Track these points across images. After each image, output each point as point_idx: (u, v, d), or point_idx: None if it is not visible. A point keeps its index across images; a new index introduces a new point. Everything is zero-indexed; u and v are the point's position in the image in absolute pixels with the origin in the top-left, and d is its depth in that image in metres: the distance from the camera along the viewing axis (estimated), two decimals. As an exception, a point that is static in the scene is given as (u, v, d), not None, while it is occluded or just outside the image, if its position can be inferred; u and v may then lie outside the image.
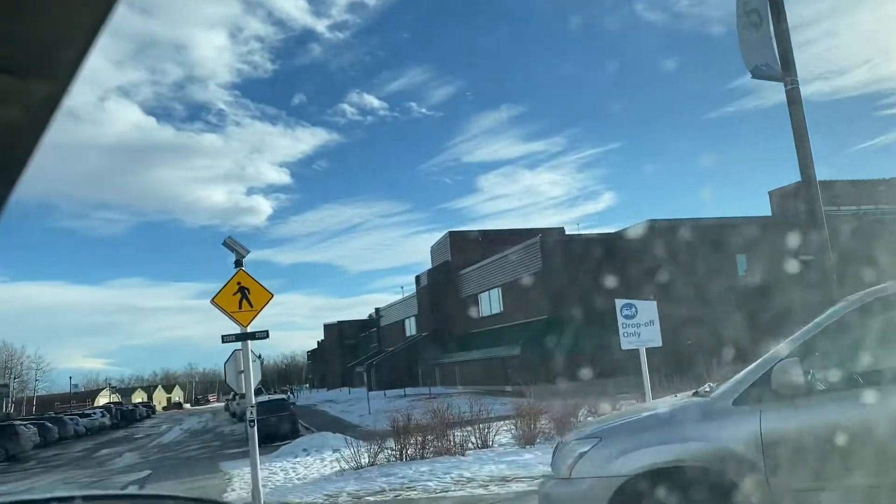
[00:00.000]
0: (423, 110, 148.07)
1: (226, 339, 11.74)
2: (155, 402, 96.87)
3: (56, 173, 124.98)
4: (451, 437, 14.01)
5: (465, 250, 47.34)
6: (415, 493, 10.64)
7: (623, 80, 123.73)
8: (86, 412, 53.66)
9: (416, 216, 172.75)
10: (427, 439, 13.61)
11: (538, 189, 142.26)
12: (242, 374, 11.41)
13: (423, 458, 13.56)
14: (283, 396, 31.39)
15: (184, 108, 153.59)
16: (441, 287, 48.13)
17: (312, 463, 17.32)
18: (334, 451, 19.33)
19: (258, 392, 45.00)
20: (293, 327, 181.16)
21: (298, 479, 14.60)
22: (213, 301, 11.38)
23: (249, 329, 11.59)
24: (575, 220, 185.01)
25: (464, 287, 46.21)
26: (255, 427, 11.38)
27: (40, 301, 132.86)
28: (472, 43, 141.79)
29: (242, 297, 11.38)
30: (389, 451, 14.23)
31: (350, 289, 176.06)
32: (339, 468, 14.59)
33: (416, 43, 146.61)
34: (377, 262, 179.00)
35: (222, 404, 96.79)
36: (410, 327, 55.44)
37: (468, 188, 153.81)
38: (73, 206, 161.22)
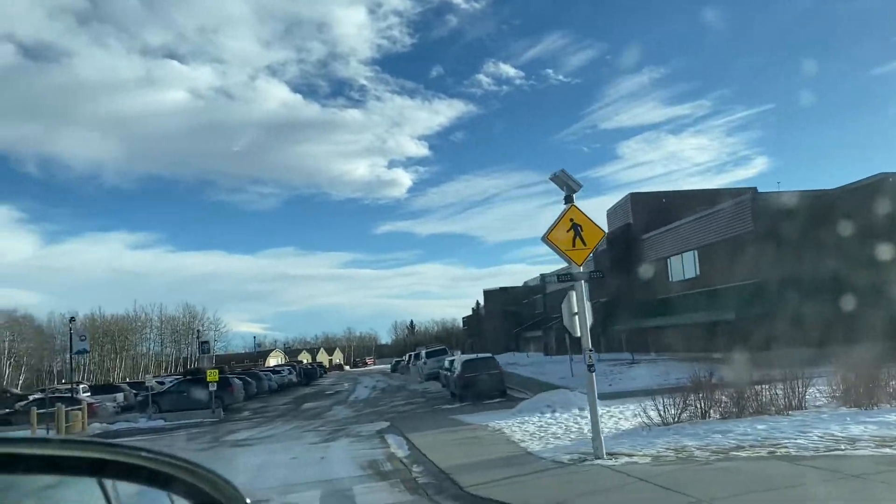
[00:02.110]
0: (560, 77, 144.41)
1: (561, 278, 11.10)
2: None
3: (214, 151, 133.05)
4: (764, 395, 12.78)
5: (647, 213, 45.21)
6: (784, 449, 9.55)
7: (776, 36, 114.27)
8: (276, 369, 56.71)
9: (553, 186, 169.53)
10: (743, 396, 12.46)
11: (683, 155, 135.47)
12: (576, 316, 10.72)
13: (739, 416, 12.45)
14: (491, 355, 31.15)
15: (327, 85, 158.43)
16: (621, 251, 46.32)
17: (570, 419, 16.70)
18: (580, 409, 18.67)
19: (436, 353, 45.53)
20: (431, 296, 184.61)
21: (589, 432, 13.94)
22: (545, 238, 10.74)
23: (581, 269, 10.87)
24: (725, 186, 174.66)
25: (649, 250, 44.20)
26: (594, 372, 10.67)
27: (202, 270, 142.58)
28: (611, 4, 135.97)
29: (575, 234, 10.64)
30: (691, 410, 13.21)
31: (487, 259, 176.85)
32: (633, 424, 13.78)
33: (553, 7, 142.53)
34: (514, 233, 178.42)
35: (380, 366, 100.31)
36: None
37: (607, 156, 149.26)
38: (229, 182, 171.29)
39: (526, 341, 59.26)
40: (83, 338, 33.45)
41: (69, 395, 32.21)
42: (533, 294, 69.01)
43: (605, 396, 20.87)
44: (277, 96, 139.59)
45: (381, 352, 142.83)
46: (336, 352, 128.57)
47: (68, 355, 74.05)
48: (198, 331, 74.63)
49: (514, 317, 68.60)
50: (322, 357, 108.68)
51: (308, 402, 37.28)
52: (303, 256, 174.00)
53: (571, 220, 10.61)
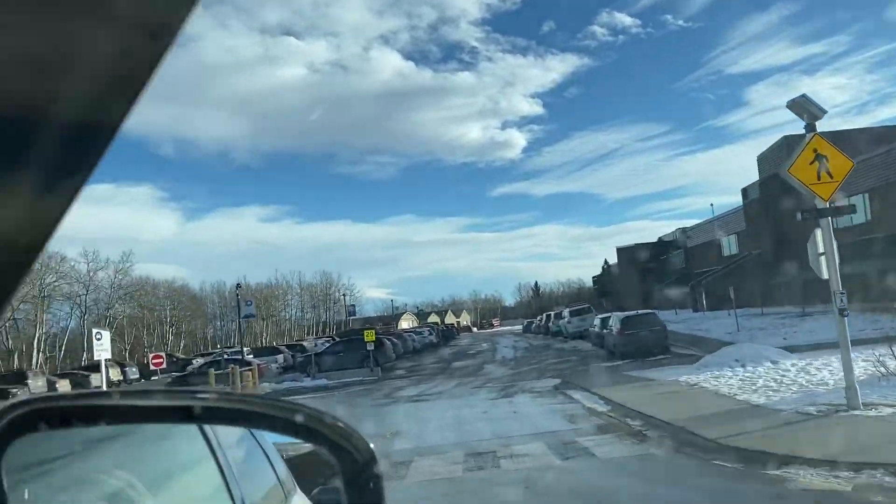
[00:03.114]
0: (680, 22, 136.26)
1: (805, 216, 10.19)
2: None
3: (334, 124, 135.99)
4: None
5: (804, 157, 42.04)
6: None
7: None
8: (417, 330, 57.98)
9: (676, 137, 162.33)
10: None
11: (819, 96, 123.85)
12: (823, 257, 9.78)
13: None
14: (651, 311, 30.17)
15: (438, 50, 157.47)
16: (775, 199, 43.43)
17: (762, 373, 15.69)
18: (773, 362, 17.57)
19: (580, 312, 44.73)
20: (552, 258, 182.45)
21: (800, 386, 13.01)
22: (785, 173, 9.82)
23: (825, 203, 9.89)
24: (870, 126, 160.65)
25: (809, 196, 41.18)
26: (846, 317, 9.75)
27: (329, 239, 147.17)
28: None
29: (820, 166, 9.65)
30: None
31: (608, 217, 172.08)
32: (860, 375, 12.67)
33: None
34: (636, 189, 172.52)
35: (507, 328, 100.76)
36: (730, 246, 51.46)
37: (734, 102, 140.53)
38: (349, 153, 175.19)
39: (666, 298, 57.26)
40: (249, 303, 35.27)
41: (239, 357, 34.10)
42: (670, 249, 66.47)
43: (791, 349, 19.61)
44: (391, 65, 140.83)
45: (505, 314, 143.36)
46: (463, 314, 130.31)
47: (219, 322, 79.11)
48: (343, 295, 77.71)
49: (651, 273, 66.48)
50: (450, 319, 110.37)
51: (457, 361, 37.70)
52: (422, 223, 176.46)
53: (815, 150, 9.63)
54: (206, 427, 1.54)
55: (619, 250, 75.34)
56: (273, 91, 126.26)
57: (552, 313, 54.13)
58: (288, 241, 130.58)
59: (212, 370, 28.76)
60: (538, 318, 64.88)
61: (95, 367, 45.71)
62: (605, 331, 30.40)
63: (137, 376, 48.11)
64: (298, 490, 2.10)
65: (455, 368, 32.85)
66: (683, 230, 61.22)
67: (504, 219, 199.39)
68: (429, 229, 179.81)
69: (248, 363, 32.00)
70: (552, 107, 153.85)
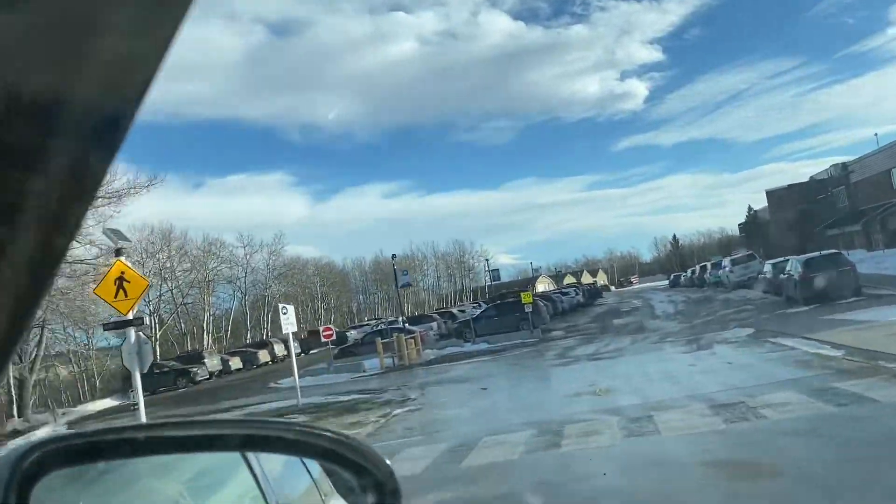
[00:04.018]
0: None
1: None
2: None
3: (448, 93, 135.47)
4: None
5: None
6: None
7: None
8: (564, 291, 57.14)
9: (812, 70, 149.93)
10: None
11: None
12: None
13: None
14: (837, 251, 27.78)
15: (548, 6, 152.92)
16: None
17: None
18: None
19: (743, 260, 42.16)
20: (684, 209, 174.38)
21: None
22: None
23: None
24: None
25: None
26: None
27: (450, 210, 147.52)
28: None
29: None
30: None
31: (741, 162, 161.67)
32: None
33: None
34: (769, 130, 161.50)
35: (647, 284, 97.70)
36: (905, 177, 46.75)
37: (878, 23, 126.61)
38: (466, 121, 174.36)
39: (831, 239, 53.03)
40: (405, 273, 35.70)
41: (398, 326, 34.72)
42: (828, 187, 61.44)
43: None
44: (500, 27, 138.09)
45: (642, 270, 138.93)
46: (599, 273, 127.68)
47: (362, 296, 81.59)
48: (486, 260, 78.15)
49: (809, 215, 61.82)
50: (586, 279, 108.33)
51: (615, 319, 36.56)
52: (545, 184, 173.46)
53: None
54: None
55: (769, 193, 70.47)
56: (387, 68, 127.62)
57: (707, 264, 51.80)
58: (411, 215, 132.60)
59: (378, 339, 29.36)
60: (688, 270, 62.23)
61: (260, 344, 48.49)
62: (781, 276, 28.39)
63: (299, 351, 50.45)
64: (336, 493, 1.98)
65: (618, 326, 31.79)
66: (843, 165, 56.27)
67: (630, 173, 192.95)
68: (552, 191, 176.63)
69: (410, 331, 32.44)
70: (672, 51, 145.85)
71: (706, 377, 12.60)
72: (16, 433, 28.75)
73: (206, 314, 50.58)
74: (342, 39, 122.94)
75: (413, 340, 30.57)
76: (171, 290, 46.37)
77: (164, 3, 0.48)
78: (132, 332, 11.21)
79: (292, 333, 20.46)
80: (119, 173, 31.73)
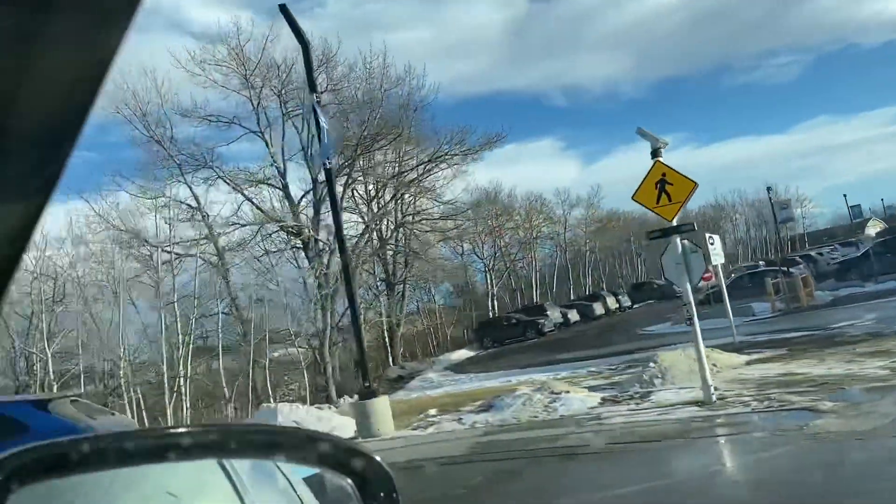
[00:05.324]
0: None
1: None
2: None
3: (718, 36, 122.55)
4: None
5: None
6: None
7: None
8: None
9: None
10: None
11: None
12: None
13: None
14: None
15: None
16: None
17: None
18: None
19: None
20: None
21: None
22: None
23: None
24: None
25: None
26: None
27: (732, 159, 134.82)
28: None
29: None
30: None
31: None
32: None
33: None
34: None
35: None
36: None
37: None
38: (741, 63, 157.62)
39: None
40: (784, 207, 32.29)
41: (781, 269, 31.59)
42: None
43: None
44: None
45: None
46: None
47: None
48: (801, 204, 70.15)
49: None
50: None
51: None
52: (840, 122, 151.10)
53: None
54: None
55: None
56: (646, 19, 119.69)
57: None
58: (688, 168, 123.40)
59: (768, 279, 26.69)
60: None
61: (592, 297, 47.94)
62: None
63: (629, 304, 49.13)
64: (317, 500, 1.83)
65: None
66: None
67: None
68: (849, 129, 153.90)
69: (790, 274, 29.09)
70: None
71: None
72: (399, 378, 31.02)
73: (533, 270, 51.29)
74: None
75: (803, 280, 27.24)
76: (501, 248, 47.49)
77: (105, 20, 0.49)
78: (677, 239, 10.09)
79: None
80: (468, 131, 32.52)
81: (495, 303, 45.93)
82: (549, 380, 14.00)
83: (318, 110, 12.58)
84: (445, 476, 8.40)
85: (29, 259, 22.61)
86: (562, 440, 9.18)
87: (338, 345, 29.81)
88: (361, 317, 16.61)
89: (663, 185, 9.99)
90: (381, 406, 12.83)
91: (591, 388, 13.16)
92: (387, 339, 36.37)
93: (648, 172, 10.15)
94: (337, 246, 16.82)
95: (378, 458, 1.19)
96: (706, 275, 26.98)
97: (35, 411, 8.00)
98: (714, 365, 13.11)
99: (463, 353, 38.54)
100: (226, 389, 23.02)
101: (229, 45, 26.51)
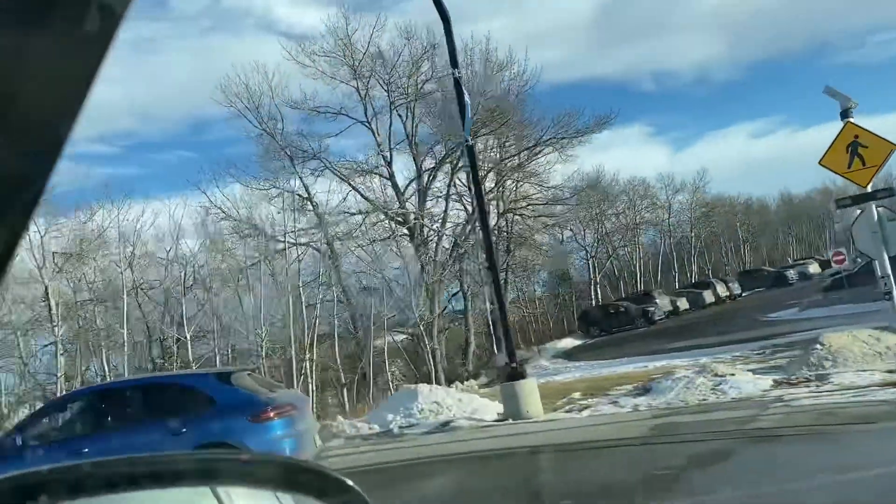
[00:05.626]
0: None
1: None
2: None
3: (817, 13, 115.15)
4: None
5: None
6: None
7: None
8: None
9: None
10: None
11: None
12: None
13: None
14: None
15: None
16: None
17: None
18: None
19: None
20: None
21: None
22: None
23: None
24: None
25: None
26: None
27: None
28: None
29: None
30: None
31: None
32: None
33: None
34: None
35: None
36: None
37: None
38: (844, 39, 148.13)
39: None
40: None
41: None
42: None
43: None
44: None
45: None
46: None
47: (781, 235, 73.80)
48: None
49: None
50: None
51: None
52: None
53: None
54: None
55: None
56: None
57: None
58: (786, 152, 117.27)
59: None
60: None
61: (702, 285, 46.13)
62: None
63: (740, 292, 47.00)
64: None
65: None
66: None
67: None
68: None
69: None
70: None
71: None
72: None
73: (637, 257, 49.85)
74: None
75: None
76: (604, 235, 46.23)
77: (84, 43, 0.50)
78: (872, 207, 9.22)
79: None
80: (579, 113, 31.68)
81: (598, 291, 44.83)
82: (709, 362, 13.27)
83: (462, 86, 12.25)
84: (634, 458, 7.94)
85: (164, 249, 23.56)
86: (752, 422, 8.54)
87: (444, 332, 29.78)
88: (504, 296, 16.27)
89: (855, 148, 9.14)
90: (530, 388, 12.48)
91: (753, 372, 12.36)
92: (491, 327, 36.08)
93: (838, 135, 9.32)
94: (479, 219, 16.61)
95: (351, 482, 1.12)
96: (838, 258, 25.39)
97: (218, 384, 8.03)
98: (888, 348, 12.14)
99: (569, 342, 37.80)
100: (342, 374, 23.25)
101: (337, 35, 26.71)
